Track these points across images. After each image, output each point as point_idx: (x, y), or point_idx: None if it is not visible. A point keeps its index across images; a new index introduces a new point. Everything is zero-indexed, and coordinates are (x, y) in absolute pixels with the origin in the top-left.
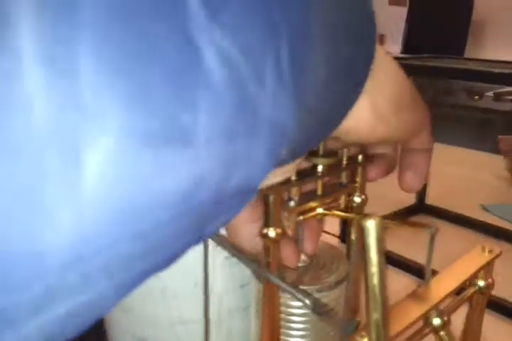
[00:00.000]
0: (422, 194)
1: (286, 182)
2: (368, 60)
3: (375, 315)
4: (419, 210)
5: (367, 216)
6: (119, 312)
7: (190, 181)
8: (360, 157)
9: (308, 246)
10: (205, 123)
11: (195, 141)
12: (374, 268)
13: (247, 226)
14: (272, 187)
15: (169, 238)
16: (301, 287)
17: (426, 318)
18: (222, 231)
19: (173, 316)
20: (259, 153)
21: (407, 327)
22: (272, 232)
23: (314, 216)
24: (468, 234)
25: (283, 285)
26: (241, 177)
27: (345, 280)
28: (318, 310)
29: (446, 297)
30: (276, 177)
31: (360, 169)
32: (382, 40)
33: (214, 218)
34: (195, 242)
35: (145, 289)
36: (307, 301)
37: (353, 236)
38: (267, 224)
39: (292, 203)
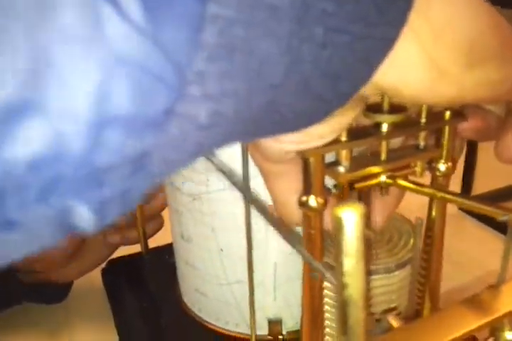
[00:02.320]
0: None
1: (334, 142)
2: None
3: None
4: None
5: (345, 205)
6: (187, 267)
7: None
8: (447, 113)
9: (374, 219)
10: None
11: None
12: (348, 277)
13: (294, 197)
14: (311, 149)
15: None
16: None
17: (494, 330)
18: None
19: (229, 275)
20: None
21: (459, 339)
22: (312, 201)
23: (373, 185)
24: None
25: (310, 259)
26: None
27: (409, 263)
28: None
29: None
30: (319, 139)
31: (447, 128)
32: None
33: None
34: None
35: (204, 248)
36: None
37: (433, 213)
38: (306, 191)
39: (341, 168)
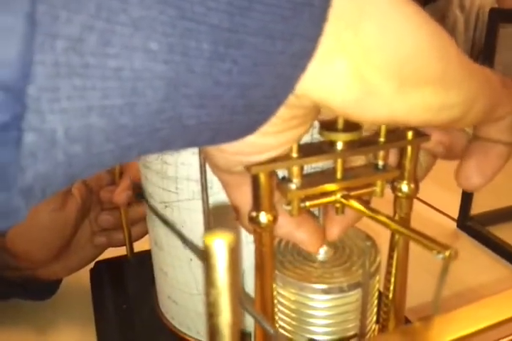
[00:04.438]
0: None
1: (285, 158)
2: None
3: None
4: None
5: (216, 233)
6: (161, 274)
7: None
8: (409, 133)
9: (329, 230)
10: None
11: None
12: (213, 308)
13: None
14: (260, 164)
15: None
16: (307, 284)
17: None
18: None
19: (199, 285)
20: None
21: None
22: (263, 217)
23: (327, 203)
24: None
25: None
26: None
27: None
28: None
29: None
30: (265, 152)
31: (409, 149)
32: None
33: None
34: None
35: (175, 256)
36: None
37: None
38: (256, 207)
39: (292, 185)
